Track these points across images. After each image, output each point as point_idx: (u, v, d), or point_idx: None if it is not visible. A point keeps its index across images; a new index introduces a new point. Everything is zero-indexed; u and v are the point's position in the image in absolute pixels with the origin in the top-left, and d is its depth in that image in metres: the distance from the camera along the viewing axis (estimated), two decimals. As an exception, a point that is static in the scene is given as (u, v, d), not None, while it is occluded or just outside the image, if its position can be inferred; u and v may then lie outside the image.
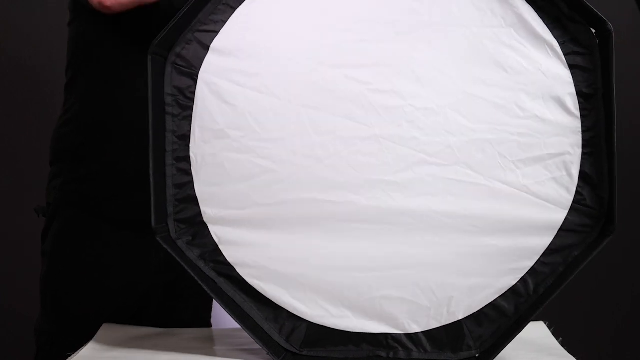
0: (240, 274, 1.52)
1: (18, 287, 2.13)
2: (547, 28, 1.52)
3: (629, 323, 2.72)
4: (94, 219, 1.72)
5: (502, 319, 1.52)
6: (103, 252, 1.72)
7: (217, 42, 1.52)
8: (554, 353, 1.58)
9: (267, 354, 1.49)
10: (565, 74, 1.52)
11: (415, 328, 1.52)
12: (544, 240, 1.51)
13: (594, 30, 1.52)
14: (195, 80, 1.52)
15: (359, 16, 1.52)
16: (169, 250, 1.48)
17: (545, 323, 1.72)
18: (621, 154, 1.51)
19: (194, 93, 1.52)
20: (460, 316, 1.52)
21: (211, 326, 1.87)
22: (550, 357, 1.55)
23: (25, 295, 1.78)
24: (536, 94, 1.52)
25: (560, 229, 1.51)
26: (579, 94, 1.52)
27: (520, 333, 1.48)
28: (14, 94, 2.67)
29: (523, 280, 1.51)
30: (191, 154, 1.53)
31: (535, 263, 1.51)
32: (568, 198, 1.52)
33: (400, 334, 1.53)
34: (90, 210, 1.72)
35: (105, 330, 1.64)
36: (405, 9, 1.52)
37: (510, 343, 1.49)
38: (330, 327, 1.52)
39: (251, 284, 1.52)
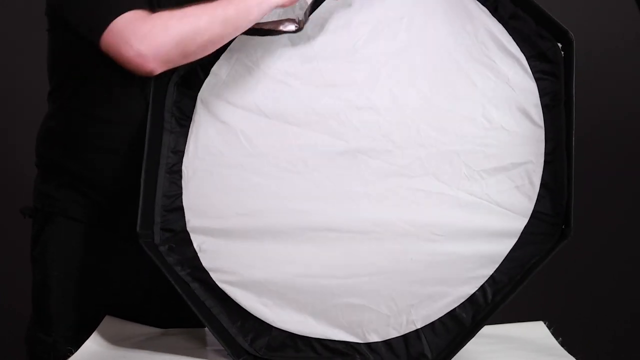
0: (214, 279, 1.59)
1: (18, 287, 2.12)
2: (515, 44, 1.58)
3: (629, 323, 2.72)
4: (88, 226, 1.72)
5: (459, 329, 1.55)
6: (98, 258, 1.72)
7: (217, 67, 1.62)
8: (554, 353, 1.59)
9: (228, 354, 1.56)
10: (532, 86, 1.59)
11: (374, 337, 1.57)
12: (504, 248, 1.56)
13: (560, 45, 1.57)
14: (195, 100, 1.62)
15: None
16: (148, 253, 1.55)
17: (545, 323, 1.73)
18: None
19: (192, 112, 1.62)
20: (419, 325, 1.56)
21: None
22: (550, 357, 1.57)
23: (25, 295, 1.79)
24: (503, 106, 1.58)
25: (520, 237, 1.57)
26: (544, 105, 1.58)
27: (521, 333, 1.51)
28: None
29: (482, 288, 1.56)
30: (183, 168, 1.61)
31: (495, 271, 1.56)
32: (529, 206, 1.57)
33: (359, 342, 1.57)
34: (82, 218, 1.72)
35: (107, 324, 1.67)
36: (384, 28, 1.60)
37: (511, 343, 1.52)
38: (294, 332, 1.58)
39: (223, 289, 1.59)
